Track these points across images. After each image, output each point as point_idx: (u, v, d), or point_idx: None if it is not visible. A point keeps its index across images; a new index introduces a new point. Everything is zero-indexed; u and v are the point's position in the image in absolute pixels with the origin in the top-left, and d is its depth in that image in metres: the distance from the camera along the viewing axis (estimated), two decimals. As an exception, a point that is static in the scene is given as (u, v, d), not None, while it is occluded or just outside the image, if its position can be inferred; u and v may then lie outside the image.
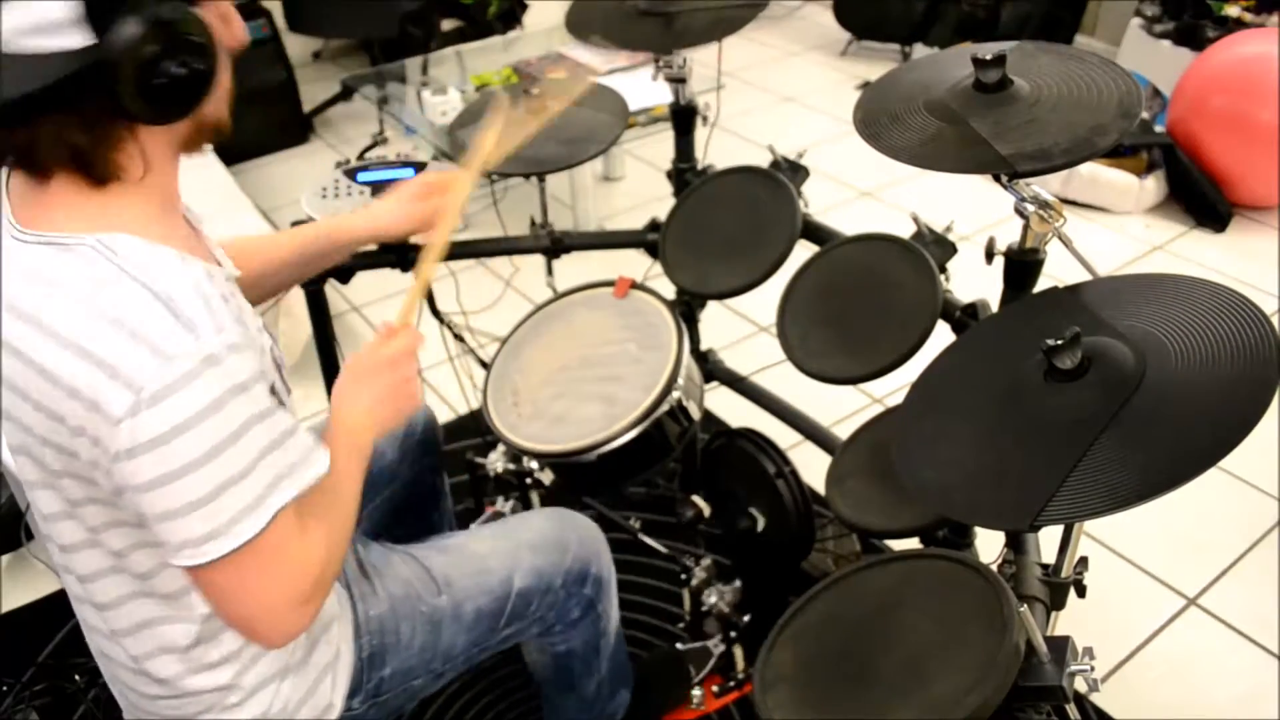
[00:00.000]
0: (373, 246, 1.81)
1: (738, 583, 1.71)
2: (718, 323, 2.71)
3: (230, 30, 0.97)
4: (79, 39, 0.84)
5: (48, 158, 0.89)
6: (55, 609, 1.95)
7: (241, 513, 0.89)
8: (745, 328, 2.74)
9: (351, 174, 1.82)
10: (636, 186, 3.48)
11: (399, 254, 1.81)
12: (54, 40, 0.83)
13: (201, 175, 1.06)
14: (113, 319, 0.86)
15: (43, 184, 0.91)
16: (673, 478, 2.15)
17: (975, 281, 1.56)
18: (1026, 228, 1.27)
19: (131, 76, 0.85)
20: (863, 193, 3.38)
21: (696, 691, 1.70)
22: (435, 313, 2.00)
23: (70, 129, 0.87)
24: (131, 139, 0.91)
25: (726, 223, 1.76)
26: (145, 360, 0.84)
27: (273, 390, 0.95)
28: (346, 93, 3.86)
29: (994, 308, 1.42)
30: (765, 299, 1.69)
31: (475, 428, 1.76)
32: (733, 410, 2.27)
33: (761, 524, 1.75)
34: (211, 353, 0.86)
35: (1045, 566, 1.12)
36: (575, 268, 1.94)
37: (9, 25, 0.83)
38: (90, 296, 0.87)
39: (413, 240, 1.61)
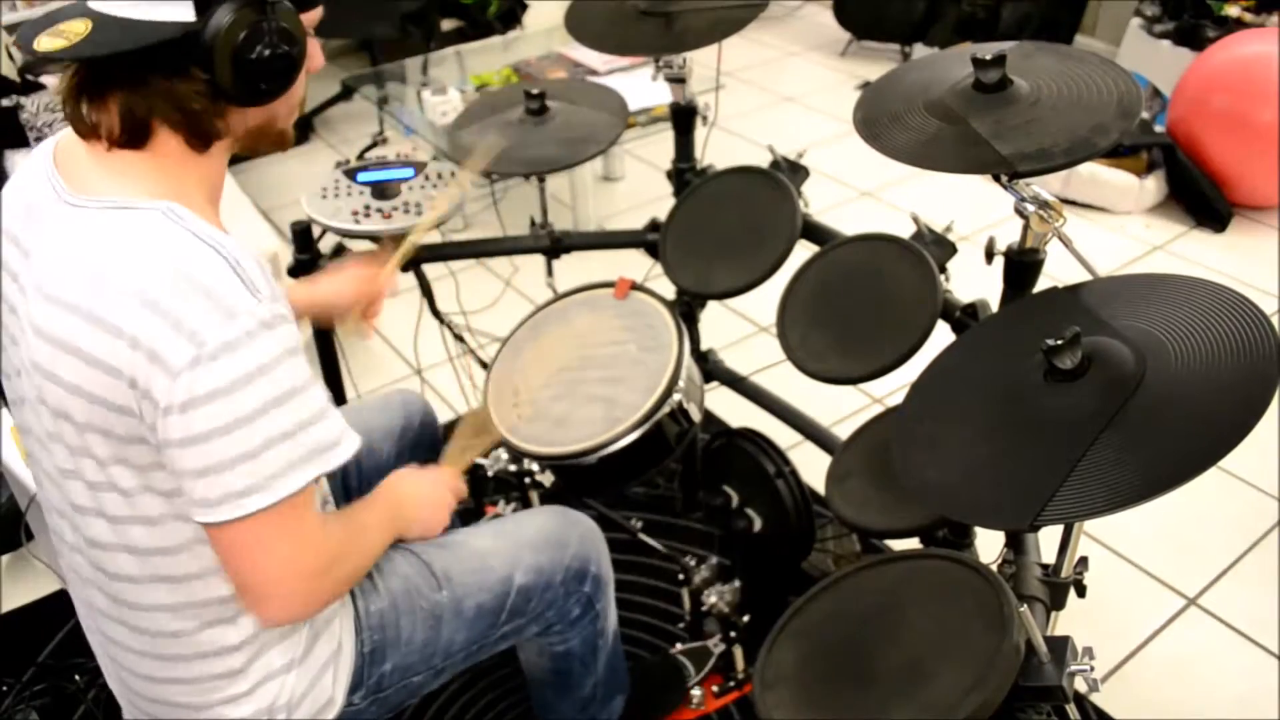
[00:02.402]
0: (371, 245, 1.81)
1: (737, 583, 1.71)
2: (718, 323, 2.71)
3: (311, 48, 1.03)
4: (183, 13, 0.91)
5: (160, 117, 0.95)
6: (55, 609, 1.95)
7: (283, 469, 0.93)
8: (745, 328, 2.74)
9: (351, 174, 1.82)
10: (636, 186, 3.48)
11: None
12: (160, 11, 0.91)
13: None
14: (183, 275, 0.90)
15: (130, 149, 0.96)
16: (673, 478, 2.15)
17: (975, 281, 1.56)
18: (1026, 228, 1.27)
19: (228, 53, 0.92)
20: (863, 193, 3.39)
21: (696, 691, 1.70)
22: (435, 313, 2.00)
23: (184, 87, 0.94)
24: (224, 113, 0.98)
25: (726, 223, 1.76)
26: (211, 316, 0.89)
27: None
28: (346, 93, 3.86)
29: (994, 308, 1.42)
30: (765, 299, 1.69)
31: (475, 428, 1.78)
32: (733, 410, 2.27)
33: (761, 524, 1.75)
34: (269, 316, 0.92)
35: (1045, 566, 1.12)
36: (575, 268, 1.94)
37: None
38: (160, 254, 0.91)
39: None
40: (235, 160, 1.09)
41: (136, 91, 0.94)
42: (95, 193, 0.95)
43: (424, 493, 1.28)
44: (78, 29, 0.91)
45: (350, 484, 1.45)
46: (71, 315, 0.92)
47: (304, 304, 1.48)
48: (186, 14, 0.91)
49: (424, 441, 1.58)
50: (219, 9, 0.92)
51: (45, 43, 0.91)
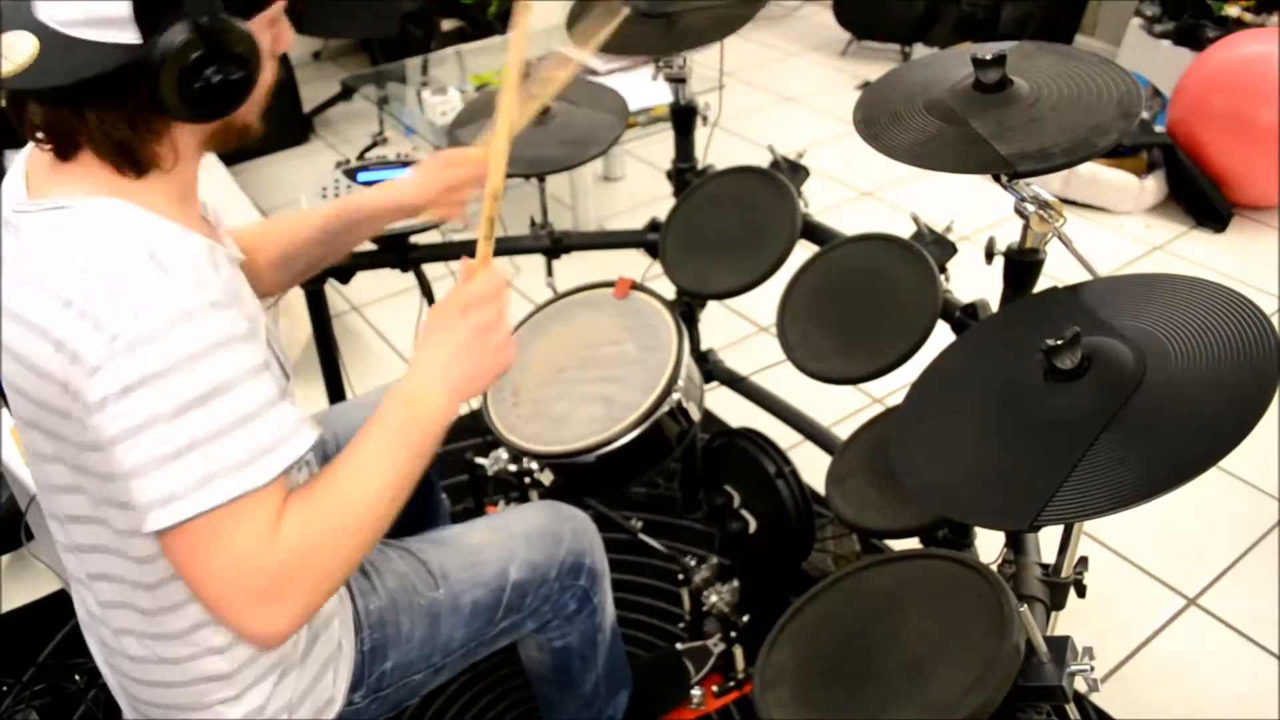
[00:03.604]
0: (371, 246, 1.82)
1: (737, 583, 1.71)
2: (718, 323, 2.71)
3: (278, 33, 0.99)
4: (129, 36, 0.88)
5: (89, 142, 0.92)
6: (55, 609, 1.95)
7: (207, 478, 0.86)
8: (745, 328, 2.74)
9: (351, 174, 1.82)
10: (636, 186, 3.48)
11: (399, 254, 1.81)
12: (106, 34, 0.88)
13: (202, 175, 1.07)
14: (96, 269, 0.87)
15: (68, 161, 0.94)
16: (673, 478, 2.15)
17: (975, 281, 1.56)
18: (1026, 228, 1.27)
19: (173, 77, 0.89)
20: (863, 193, 3.39)
21: (696, 691, 1.70)
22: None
23: (115, 119, 0.91)
24: (167, 132, 0.95)
25: (726, 223, 1.76)
26: (123, 307, 0.85)
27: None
28: (346, 93, 3.86)
29: (994, 308, 1.42)
30: (765, 299, 1.69)
31: (475, 428, 1.76)
32: (733, 410, 2.27)
33: (761, 524, 1.75)
34: (189, 307, 0.87)
35: (1045, 566, 1.12)
36: (575, 268, 1.94)
37: (68, 14, 0.88)
38: (78, 249, 0.89)
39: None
40: (233, 160, 1.09)
41: (73, 117, 0.91)
42: (44, 196, 0.94)
43: (448, 351, 1.04)
44: (25, 51, 0.88)
45: None
46: (15, 323, 0.91)
47: (385, 205, 1.40)
48: (132, 38, 0.88)
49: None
50: (164, 34, 0.87)
51: None
